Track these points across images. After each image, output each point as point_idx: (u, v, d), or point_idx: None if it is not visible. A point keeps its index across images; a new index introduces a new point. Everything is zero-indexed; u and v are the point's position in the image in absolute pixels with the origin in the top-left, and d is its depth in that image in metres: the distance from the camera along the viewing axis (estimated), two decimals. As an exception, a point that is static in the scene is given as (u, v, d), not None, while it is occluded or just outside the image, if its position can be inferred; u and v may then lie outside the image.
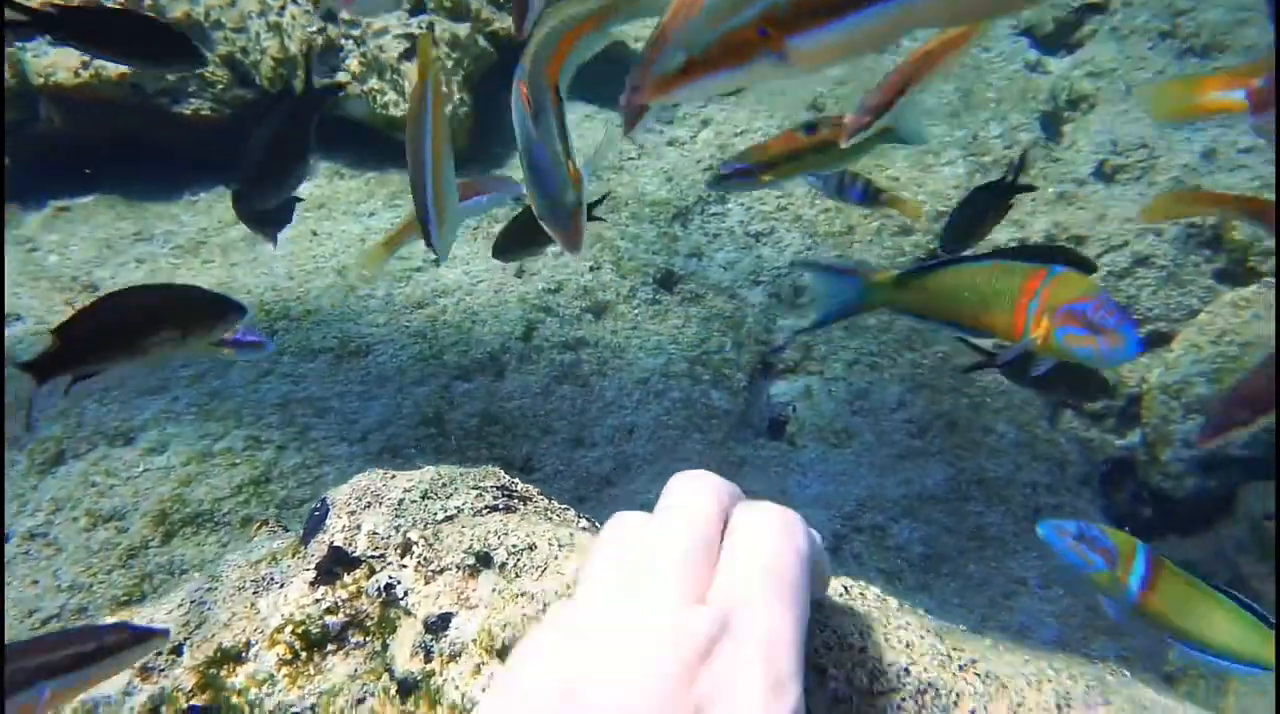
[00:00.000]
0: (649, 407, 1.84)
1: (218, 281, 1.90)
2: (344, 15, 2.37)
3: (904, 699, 0.48)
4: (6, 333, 1.72)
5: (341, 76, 2.32)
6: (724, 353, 1.99)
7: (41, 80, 2.15)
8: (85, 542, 1.40)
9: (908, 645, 0.51)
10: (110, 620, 0.68)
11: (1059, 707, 0.47)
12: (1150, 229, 2.15)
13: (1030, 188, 1.81)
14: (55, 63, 2.15)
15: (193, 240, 2.06)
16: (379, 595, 0.68)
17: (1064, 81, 2.44)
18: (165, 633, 0.62)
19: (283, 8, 2.37)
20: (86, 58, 2.11)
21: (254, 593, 0.72)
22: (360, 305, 1.87)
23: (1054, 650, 0.57)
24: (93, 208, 2.17)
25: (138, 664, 0.68)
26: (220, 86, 2.30)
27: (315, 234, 2.07)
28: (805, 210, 2.24)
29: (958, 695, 0.48)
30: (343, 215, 2.16)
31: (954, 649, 0.52)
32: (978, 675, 0.50)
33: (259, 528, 0.85)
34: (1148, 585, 0.95)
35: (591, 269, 2.05)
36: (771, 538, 0.38)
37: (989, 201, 1.61)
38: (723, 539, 0.39)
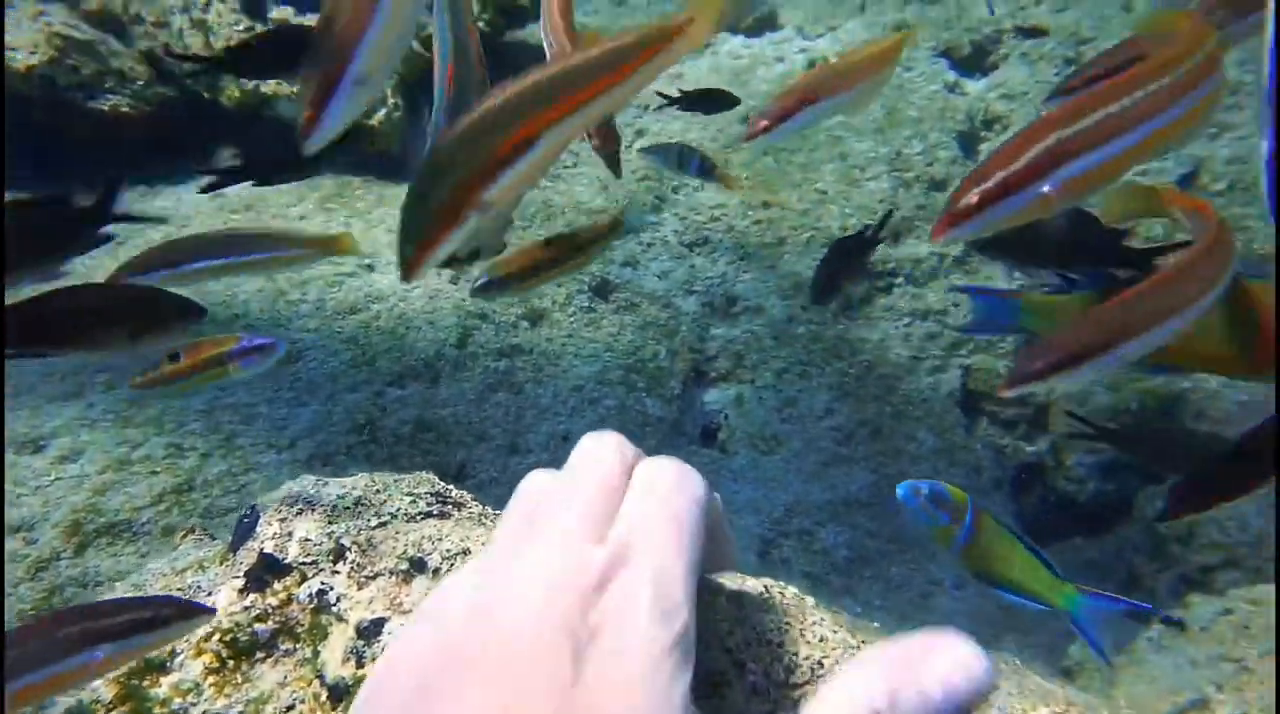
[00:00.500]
0: (584, 414, 1.86)
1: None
2: (272, 15, 2.33)
3: (817, 691, 0.52)
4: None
5: (272, 82, 2.28)
6: (658, 361, 2.02)
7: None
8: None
9: (821, 640, 0.54)
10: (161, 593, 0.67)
11: (957, 693, 0.50)
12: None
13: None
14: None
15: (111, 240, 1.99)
16: (310, 602, 0.68)
17: (980, 103, 2.56)
18: (213, 611, 0.63)
19: (208, 4, 2.31)
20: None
21: (180, 603, 0.71)
22: (290, 310, 1.83)
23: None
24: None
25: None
26: (140, 83, 2.23)
27: (242, 236, 2.02)
28: (738, 222, 2.29)
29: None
30: (272, 217, 2.11)
31: (863, 643, 0.55)
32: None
33: (184, 536, 0.84)
34: (970, 537, 1.08)
35: (527, 276, 2.06)
36: (668, 485, 0.41)
37: (852, 253, 1.69)
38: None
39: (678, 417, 2.01)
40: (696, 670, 0.52)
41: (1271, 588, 1.51)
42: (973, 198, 0.76)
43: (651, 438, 1.90)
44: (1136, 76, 0.79)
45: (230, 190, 2.23)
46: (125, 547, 1.40)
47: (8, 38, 2.02)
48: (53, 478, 1.45)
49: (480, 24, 2.54)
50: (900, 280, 2.29)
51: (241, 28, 2.26)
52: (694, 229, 2.29)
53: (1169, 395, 2.07)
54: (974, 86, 2.66)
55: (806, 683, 0.52)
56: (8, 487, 1.43)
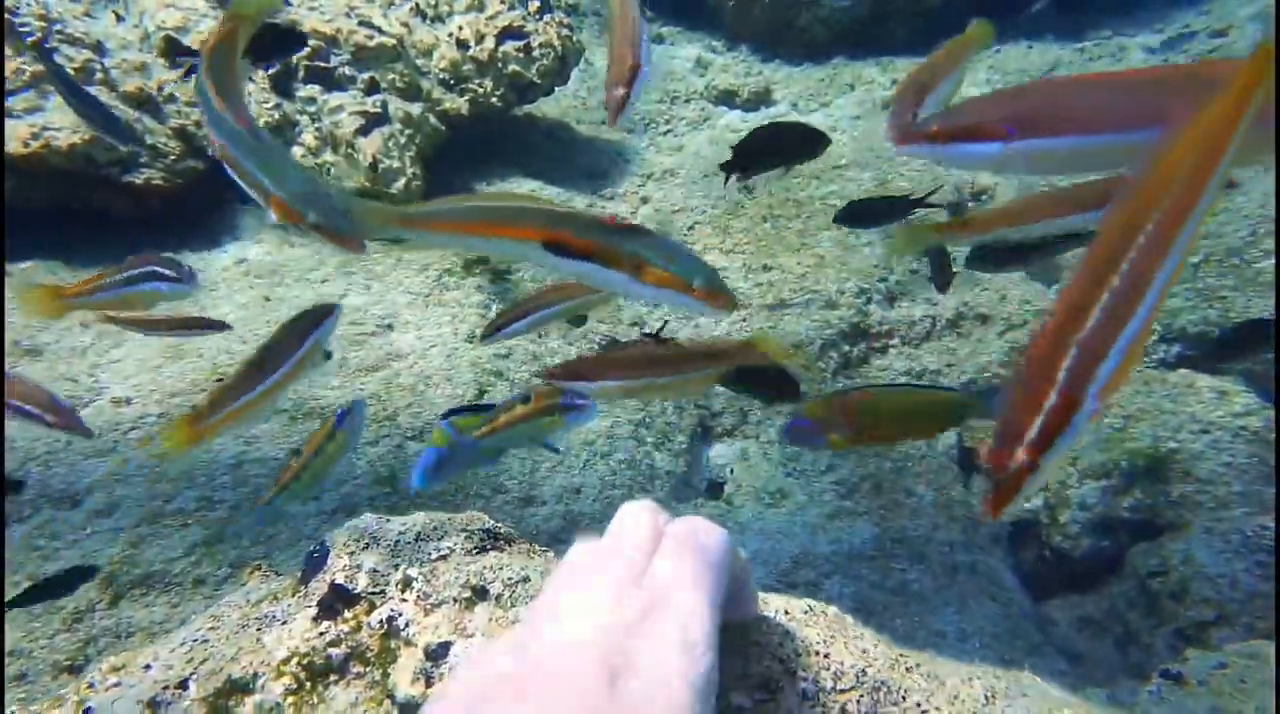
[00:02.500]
0: (595, 467, 1.92)
1: (167, 345, 1.91)
2: (300, 93, 2.46)
3: (862, 696, 0.58)
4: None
5: (297, 150, 2.40)
6: (665, 417, 2.09)
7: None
8: (26, 606, 1.38)
9: (864, 652, 0.61)
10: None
11: (987, 697, 0.57)
12: (1046, 310, 2.39)
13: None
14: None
15: (140, 301, 2.06)
16: (380, 628, 0.73)
17: (968, 176, 2.71)
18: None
19: (239, 80, 2.44)
20: (36, 128, 2.13)
21: (258, 629, 0.76)
22: (315, 370, 1.90)
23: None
24: (30, 273, 2.15)
25: (146, 698, 0.71)
26: (172, 158, 2.34)
27: (268, 299, 2.11)
28: (740, 283, 2.40)
29: (906, 691, 0.58)
30: (295, 282, 2.20)
31: (901, 656, 0.62)
32: (922, 675, 0.60)
33: (251, 573, 0.89)
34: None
35: (539, 337, 2.14)
36: (695, 541, 0.48)
37: (895, 207, 1.66)
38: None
39: (685, 470, 2.07)
40: (753, 676, 0.59)
41: (1265, 644, 1.56)
42: None
43: (660, 490, 1.96)
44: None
45: (253, 255, 2.32)
46: (158, 597, 1.44)
47: (51, 119, 2.14)
48: (89, 531, 1.49)
49: (494, 100, 2.69)
50: (896, 341, 2.39)
51: (270, 105, 2.39)
52: (698, 292, 2.40)
53: (1156, 455, 2.15)
54: (959, 160, 2.82)
55: (853, 688, 0.58)
56: (45, 541, 1.47)
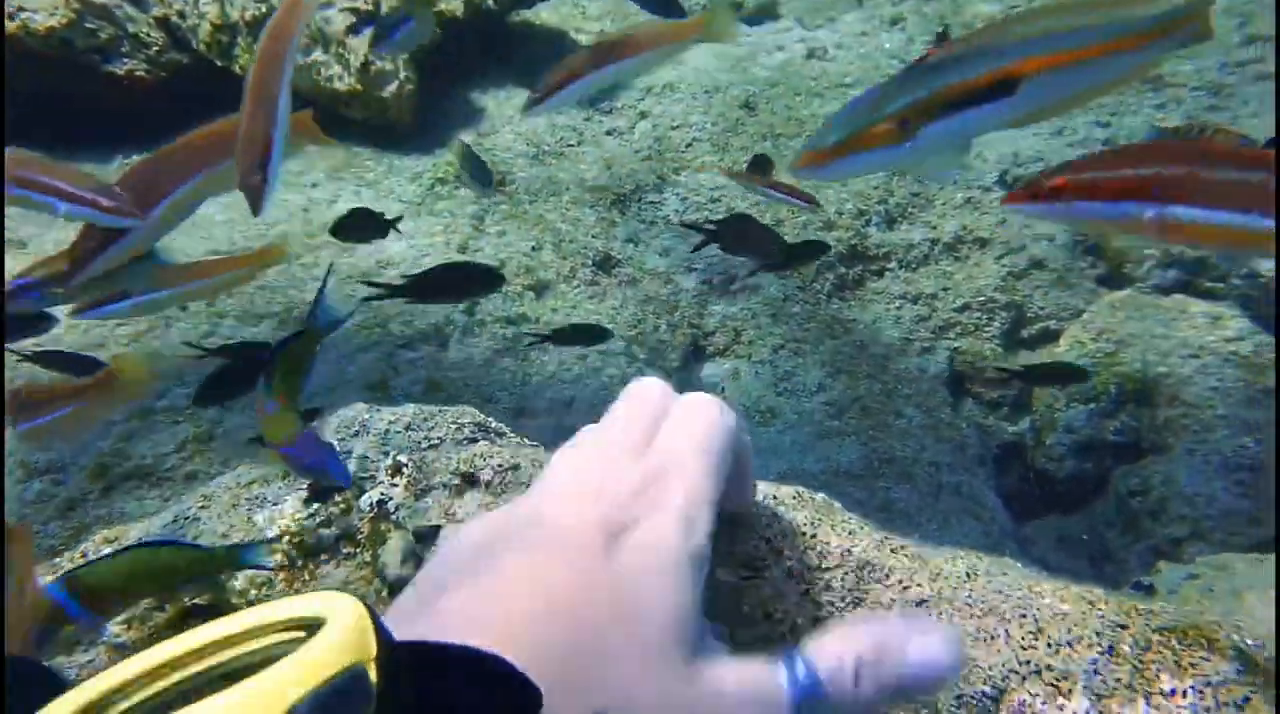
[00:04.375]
0: (587, 381, 1.93)
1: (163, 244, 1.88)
2: None
3: (847, 573, 0.59)
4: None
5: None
6: (659, 334, 2.09)
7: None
8: (20, 493, 1.39)
9: (850, 534, 0.61)
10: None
11: (968, 574, 0.58)
12: (1044, 235, 2.37)
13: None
14: (-24, 11, 2.07)
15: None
16: (370, 511, 0.74)
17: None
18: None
19: (223, -27, 2.34)
20: (11, 7, 2.05)
21: (249, 510, 0.77)
22: (305, 273, 1.88)
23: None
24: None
25: (140, 571, 0.72)
26: (155, 48, 2.26)
27: (255, 201, 2.07)
28: (738, 203, 2.36)
29: (890, 569, 0.59)
30: (284, 186, 2.15)
31: (886, 538, 0.62)
32: (906, 555, 0.61)
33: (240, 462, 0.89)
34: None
35: (534, 249, 2.12)
36: (700, 414, 0.47)
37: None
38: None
39: (677, 388, 2.07)
40: (739, 555, 0.59)
41: (1235, 556, 1.60)
42: None
43: (653, 406, 1.97)
44: None
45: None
46: (150, 491, 1.45)
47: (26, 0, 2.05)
48: (78, 425, 1.49)
49: (490, 2, 2.59)
50: (893, 264, 2.37)
51: (256, -2, 2.30)
52: (695, 209, 2.36)
53: (1145, 379, 2.17)
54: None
55: (837, 566, 0.59)
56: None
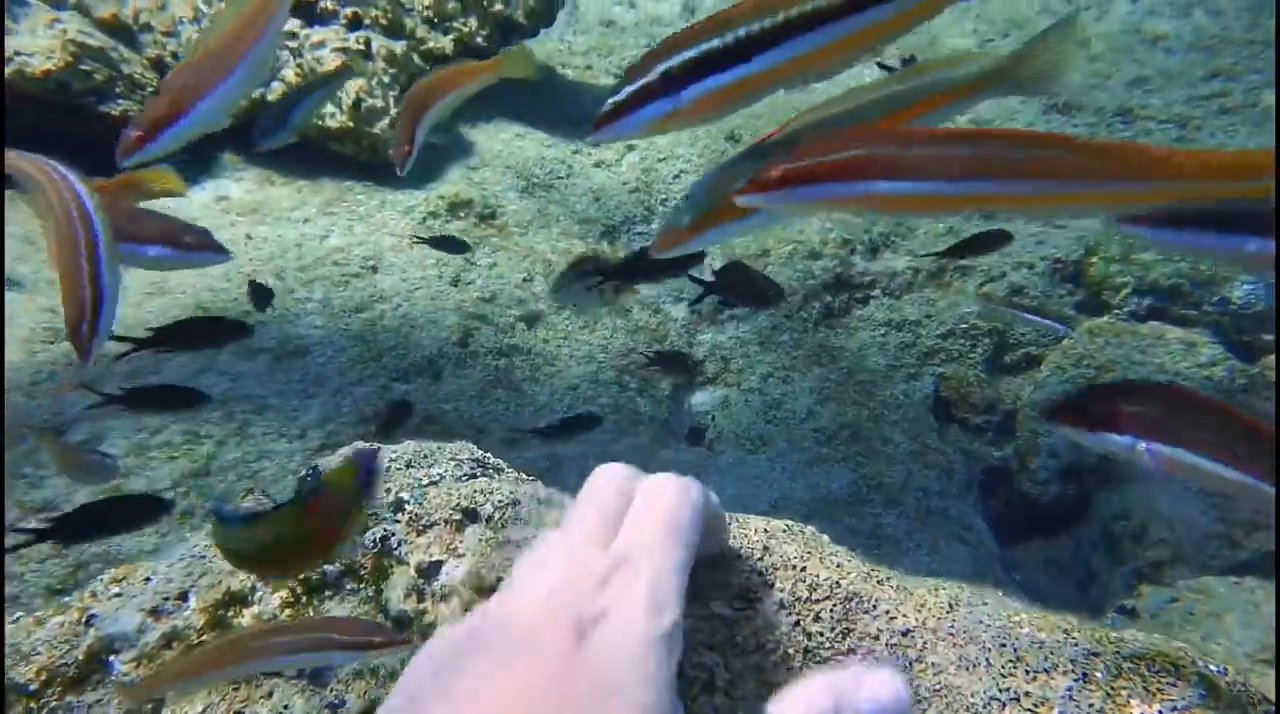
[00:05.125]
0: (579, 412, 1.95)
1: (150, 281, 1.90)
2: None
3: (835, 604, 0.61)
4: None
5: (276, 86, 2.35)
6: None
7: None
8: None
9: (838, 566, 0.64)
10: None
11: (950, 605, 0.61)
12: (1023, 262, 2.43)
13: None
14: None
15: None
16: (374, 547, 0.76)
17: (952, 126, 2.71)
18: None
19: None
20: (9, 52, 2.08)
21: (254, 549, 0.79)
22: (298, 307, 1.90)
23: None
24: (6, 202, 2.12)
25: (148, 606, 0.73)
26: (150, 89, 2.29)
27: (250, 238, 2.09)
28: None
29: (876, 600, 0.62)
30: (276, 220, 2.18)
31: (873, 570, 0.65)
32: (892, 587, 0.63)
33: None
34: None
35: (525, 281, 2.15)
36: (665, 497, 0.48)
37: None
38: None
39: (667, 417, 2.10)
40: (733, 587, 0.62)
41: (1215, 579, 1.64)
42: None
43: (643, 435, 1.99)
44: None
45: (234, 193, 2.30)
46: (146, 527, 1.46)
47: (24, 44, 2.08)
48: (74, 461, 1.50)
49: (479, 40, 2.65)
50: (877, 292, 2.42)
51: (249, 37, 2.33)
52: (683, 240, 2.40)
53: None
54: (946, 112, 2.82)
55: (826, 598, 0.62)
56: (31, 469, 1.48)
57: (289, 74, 2.35)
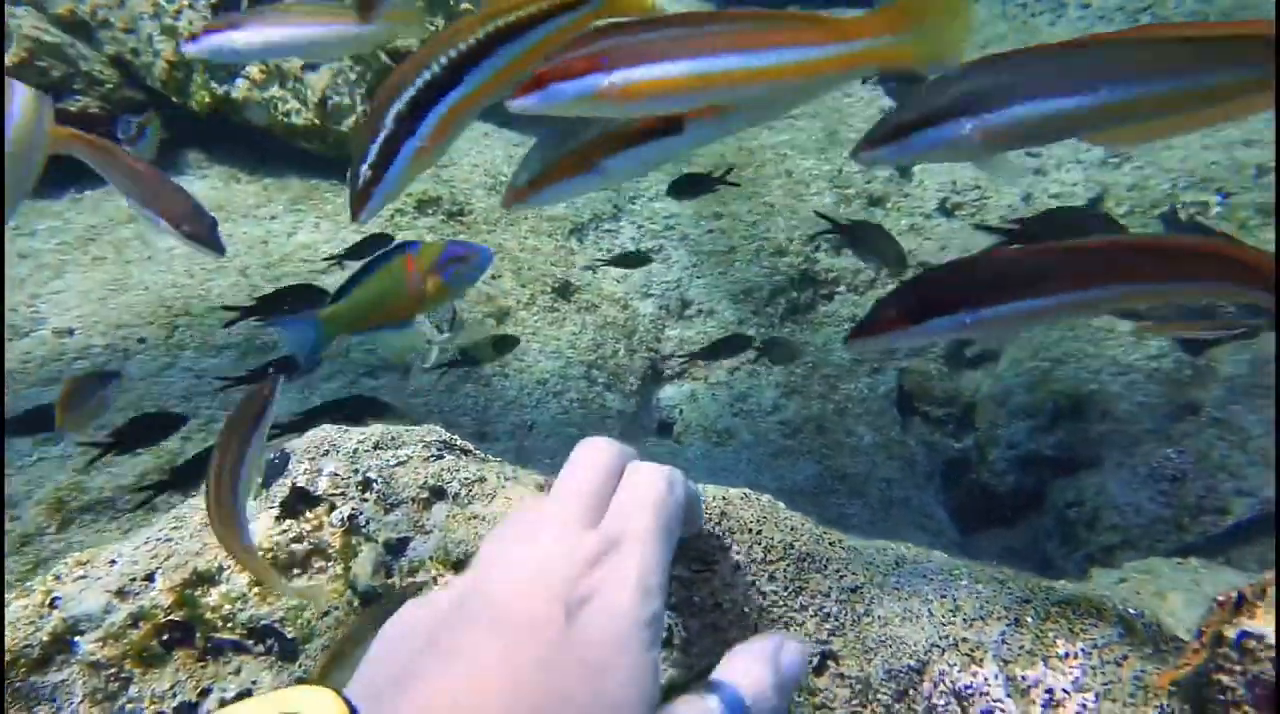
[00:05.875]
0: (548, 405, 1.97)
1: (111, 278, 1.88)
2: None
3: (789, 564, 0.64)
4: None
5: (240, 83, 2.34)
6: (618, 358, 2.14)
7: (-90, 63, 2.06)
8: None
9: (792, 529, 0.67)
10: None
11: (897, 562, 0.64)
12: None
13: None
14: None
15: (81, 237, 2.02)
16: (341, 525, 0.77)
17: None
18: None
19: (179, 12, 2.37)
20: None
21: (221, 529, 0.79)
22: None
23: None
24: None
25: (114, 588, 0.73)
26: (109, 86, 2.27)
27: (214, 234, 2.08)
28: (691, 230, 2.44)
29: (827, 560, 0.65)
30: (243, 218, 2.17)
31: (825, 533, 0.68)
32: (843, 548, 0.66)
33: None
34: None
35: (493, 277, 2.16)
36: (652, 485, 0.48)
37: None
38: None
39: (636, 411, 2.13)
40: (690, 551, 0.64)
41: (1161, 561, 1.70)
42: None
43: (612, 430, 2.01)
44: None
45: (199, 190, 2.28)
46: (108, 524, 1.45)
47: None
48: (35, 458, 1.49)
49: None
50: (842, 288, 2.47)
51: (213, 34, 2.32)
52: (650, 236, 2.43)
53: (1078, 396, 2.28)
54: (906, 113, 2.89)
55: (780, 559, 0.64)
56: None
57: (254, 71, 2.34)
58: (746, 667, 0.45)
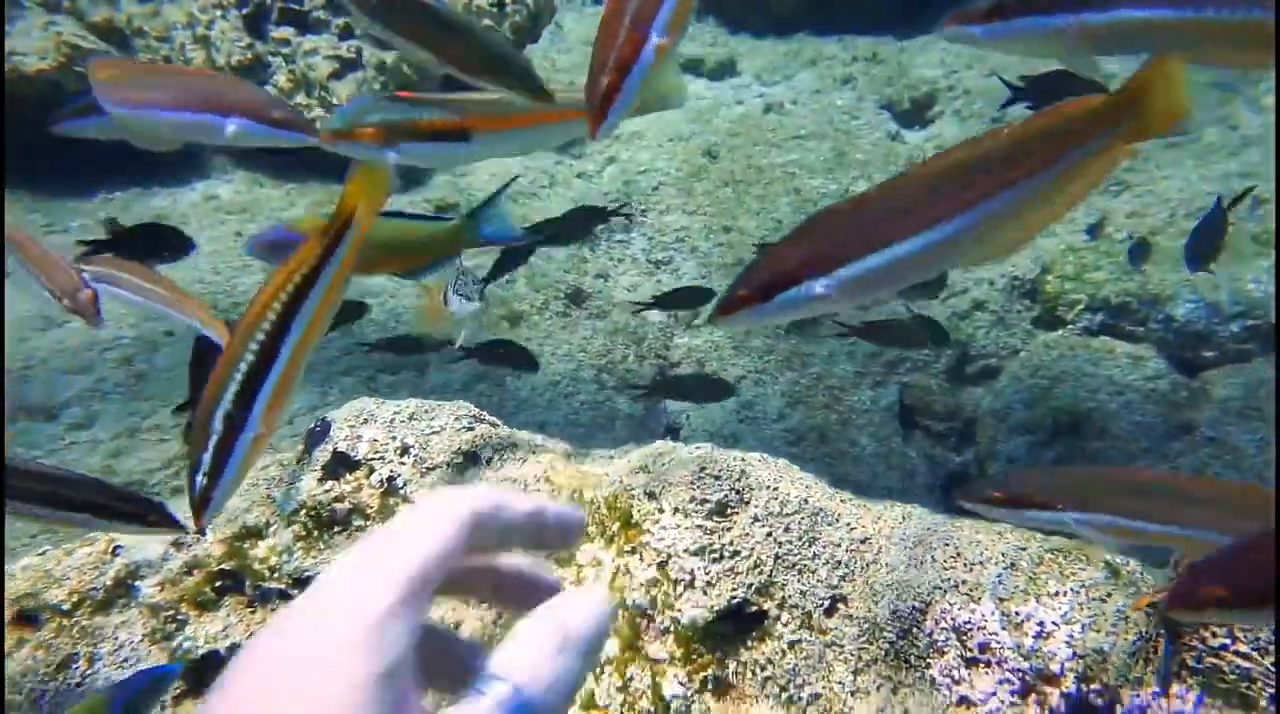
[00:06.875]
0: (559, 406, 2.02)
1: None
2: (273, 34, 2.48)
3: (803, 517, 0.70)
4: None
5: (268, 90, 2.42)
6: (627, 363, 2.20)
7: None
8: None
9: (807, 487, 0.72)
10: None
11: (903, 517, 0.69)
12: (984, 278, 2.56)
13: None
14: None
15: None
16: (380, 486, 0.82)
17: (919, 151, 2.86)
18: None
19: (211, 22, 2.46)
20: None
21: (267, 489, 0.84)
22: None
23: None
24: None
25: (170, 539, 0.78)
26: (143, 88, 2.35)
27: (239, 235, 2.15)
28: (701, 243, 2.51)
29: (839, 515, 0.70)
30: (267, 219, 2.24)
31: (837, 491, 0.73)
32: (853, 505, 0.72)
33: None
34: None
35: (508, 283, 2.23)
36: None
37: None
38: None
39: (644, 415, 2.18)
40: (710, 502, 0.69)
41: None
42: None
43: (620, 431, 2.06)
44: None
45: (224, 193, 2.35)
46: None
47: (19, 44, 2.13)
48: (67, 442, 1.54)
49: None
50: (845, 302, 2.53)
51: (243, 45, 2.41)
52: (660, 248, 2.50)
53: (1076, 413, 2.33)
54: (913, 136, 2.97)
55: (795, 512, 0.70)
56: (24, 449, 1.52)
57: (281, 79, 2.42)
58: (527, 648, 0.34)
